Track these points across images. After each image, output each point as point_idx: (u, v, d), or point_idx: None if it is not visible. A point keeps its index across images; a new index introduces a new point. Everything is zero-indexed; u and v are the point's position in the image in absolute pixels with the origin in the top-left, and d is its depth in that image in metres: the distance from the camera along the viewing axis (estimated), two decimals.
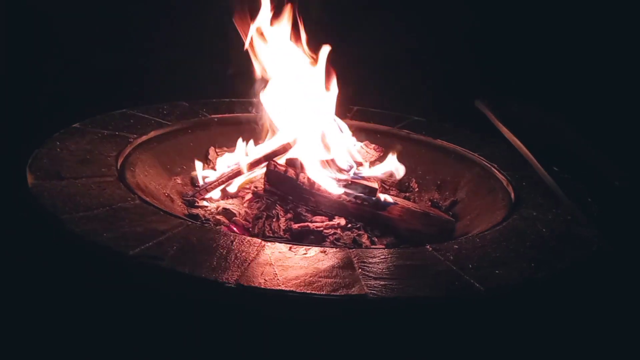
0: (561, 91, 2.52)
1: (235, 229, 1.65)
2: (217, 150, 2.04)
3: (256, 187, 1.81)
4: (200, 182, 1.86)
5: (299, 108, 1.90)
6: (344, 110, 2.13)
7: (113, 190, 1.54)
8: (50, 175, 1.56)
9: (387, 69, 2.65)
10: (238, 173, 1.83)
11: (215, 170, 1.92)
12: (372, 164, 1.92)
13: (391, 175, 1.87)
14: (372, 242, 1.63)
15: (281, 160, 1.79)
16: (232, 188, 1.83)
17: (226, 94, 2.27)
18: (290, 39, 1.93)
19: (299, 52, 1.93)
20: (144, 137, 1.89)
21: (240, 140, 1.95)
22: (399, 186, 2.01)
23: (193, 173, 1.91)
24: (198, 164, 1.91)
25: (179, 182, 1.89)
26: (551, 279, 1.36)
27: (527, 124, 2.01)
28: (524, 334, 1.40)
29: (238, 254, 1.32)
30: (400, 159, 1.89)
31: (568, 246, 1.49)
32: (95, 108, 2.01)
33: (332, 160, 1.80)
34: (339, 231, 1.64)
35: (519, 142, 1.84)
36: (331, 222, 1.67)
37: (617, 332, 1.51)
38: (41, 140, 1.75)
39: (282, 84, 1.93)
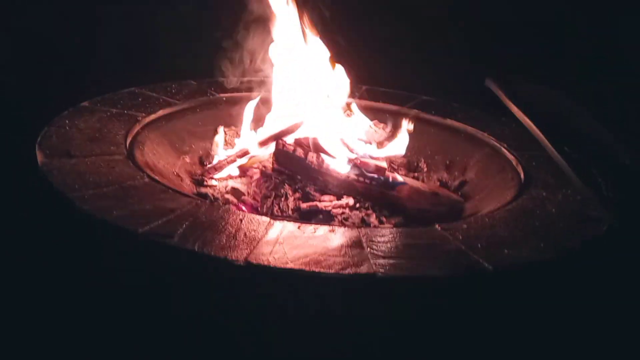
0: (570, 72, 2.49)
1: (244, 208, 1.66)
2: (225, 129, 2.04)
3: (265, 167, 1.81)
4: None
5: (308, 89, 1.89)
6: (352, 89, 2.13)
7: (122, 168, 1.54)
8: (60, 153, 1.56)
9: (395, 48, 2.63)
10: (246, 152, 1.83)
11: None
12: (381, 143, 1.91)
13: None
14: (381, 222, 1.63)
15: (290, 139, 1.78)
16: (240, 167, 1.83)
17: (234, 74, 2.26)
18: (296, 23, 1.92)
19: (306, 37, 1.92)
20: (153, 116, 1.89)
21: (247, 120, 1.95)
22: (408, 166, 2.00)
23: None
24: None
25: (188, 161, 1.89)
26: (560, 258, 1.36)
27: (538, 103, 1.99)
28: (532, 313, 1.40)
29: (247, 233, 1.32)
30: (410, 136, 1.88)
31: (577, 226, 1.48)
32: (104, 87, 2.00)
33: (341, 140, 1.79)
34: (347, 211, 1.64)
35: (529, 122, 1.82)
36: (340, 202, 1.66)
37: (626, 312, 1.51)
38: (50, 118, 1.74)
39: (290, 64, 1.92)
